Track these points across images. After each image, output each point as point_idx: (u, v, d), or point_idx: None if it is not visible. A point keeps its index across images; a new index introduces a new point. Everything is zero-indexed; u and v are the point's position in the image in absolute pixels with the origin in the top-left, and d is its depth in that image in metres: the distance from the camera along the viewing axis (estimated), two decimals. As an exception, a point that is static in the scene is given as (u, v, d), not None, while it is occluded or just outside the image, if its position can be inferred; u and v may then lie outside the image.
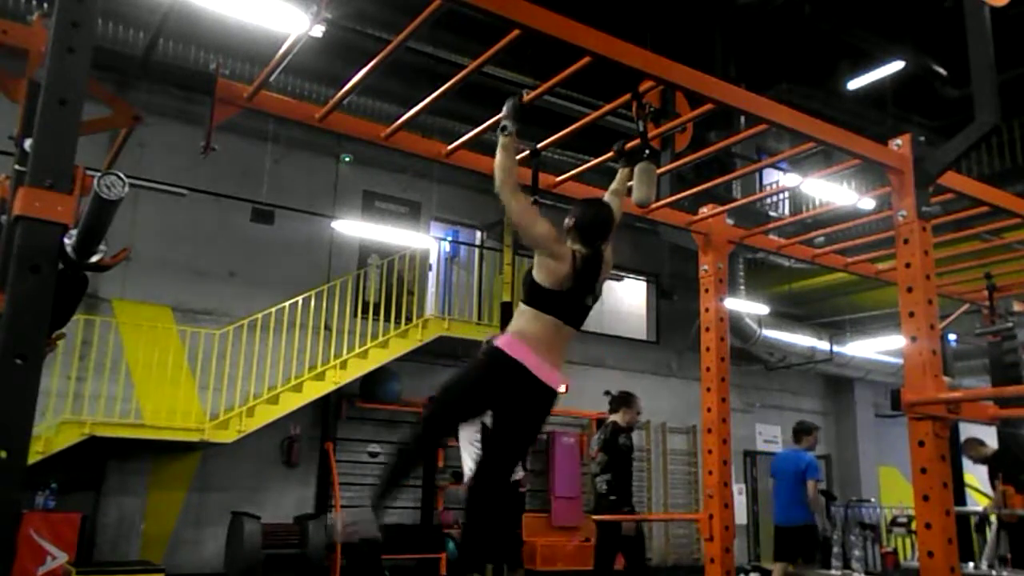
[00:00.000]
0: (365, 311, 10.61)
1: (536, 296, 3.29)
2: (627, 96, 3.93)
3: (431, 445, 3.55)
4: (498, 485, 3.41)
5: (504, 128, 3.35)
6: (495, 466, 3.35)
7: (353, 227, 10.69)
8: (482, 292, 12.02)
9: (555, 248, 3.24)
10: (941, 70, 12.39)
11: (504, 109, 3.43)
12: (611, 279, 13.84)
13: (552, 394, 3.25)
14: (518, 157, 4.80)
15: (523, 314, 3.32)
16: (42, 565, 7.62)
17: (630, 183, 3.80)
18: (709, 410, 5.00)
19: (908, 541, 11.10)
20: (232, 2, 6.88)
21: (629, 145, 3.88)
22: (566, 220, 3.43)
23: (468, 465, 5.74)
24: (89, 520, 8.62)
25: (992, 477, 7.14)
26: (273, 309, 9.87)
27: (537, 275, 3.28)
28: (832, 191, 10.64)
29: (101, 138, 5.72)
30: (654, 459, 13.58)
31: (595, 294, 3.40)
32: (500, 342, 3.27)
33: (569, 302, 3.30)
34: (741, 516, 13.83)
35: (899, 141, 4.28)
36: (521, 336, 3.23)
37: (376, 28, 9.26)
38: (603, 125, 7.41)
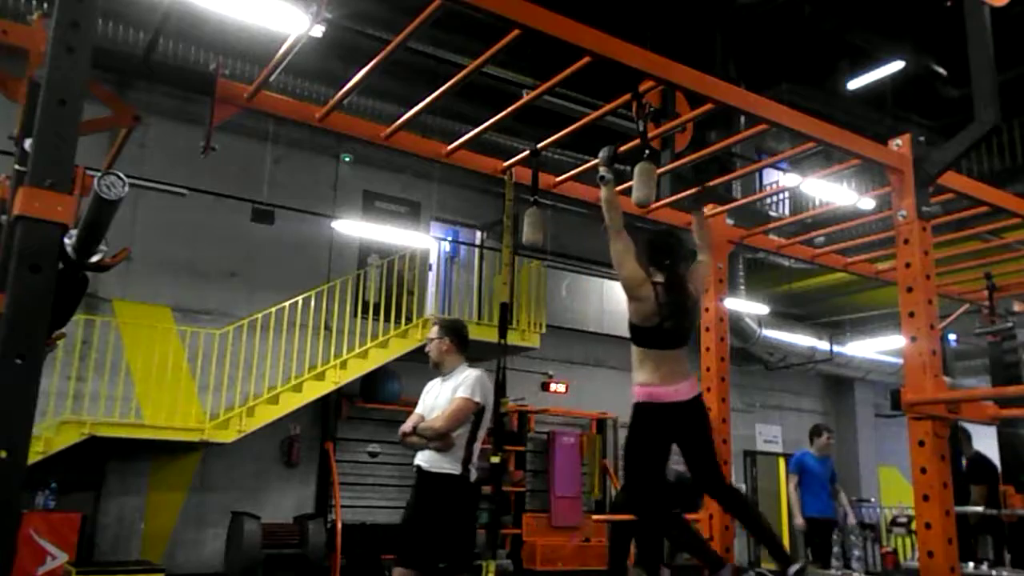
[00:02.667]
0: (365, 311, 10.61)
1: (635, 335, 3.83)
2: (627, 96, 3.94)
3: (655, 513, 3.99)
4: (717, 478, 3.92)
5: (603, 178, 3.81)
6: (703, 469, 3.87)
7: (353, 227, 10.69)
8: (482, 292, 12.01)
9: (637, 291, 3.73)
10: (941, 70, 12.39)
11: (600, 156, 3.90)
12: (612, 279, 13.87)
13: (688, 403, 3.79)
14: (518, 157, 4.81)
15: (634, 356, 3.86)
16: (42, 565, 7.62)
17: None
18: (709, 410, 4.99)
19: (908, 541, 11.09)
20: (232, 2, 6.87)
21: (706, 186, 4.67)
22: (640, 254, 3.88)
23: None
24: (89, 520, 8.62)
25: (972, 481, 7.19)
26: (273, 309, 9.86)
27: (631, 315, 3.80)
28: (832, 191, 10.63)
29: (101, 138, 5.72)
30: (654, 459, 13.56)
31: (689, 314, 3.87)
32: (635, 397, 3.86)
33: (662, 332, 3.76)
34: (741, 516, 13.82)
35: (899, 141, 4.28)
36: (636, 374, 3.83)
37: (376, 28, 9.26)
38: (603, 125, 7.42)
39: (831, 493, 7.66)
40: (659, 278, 3.79)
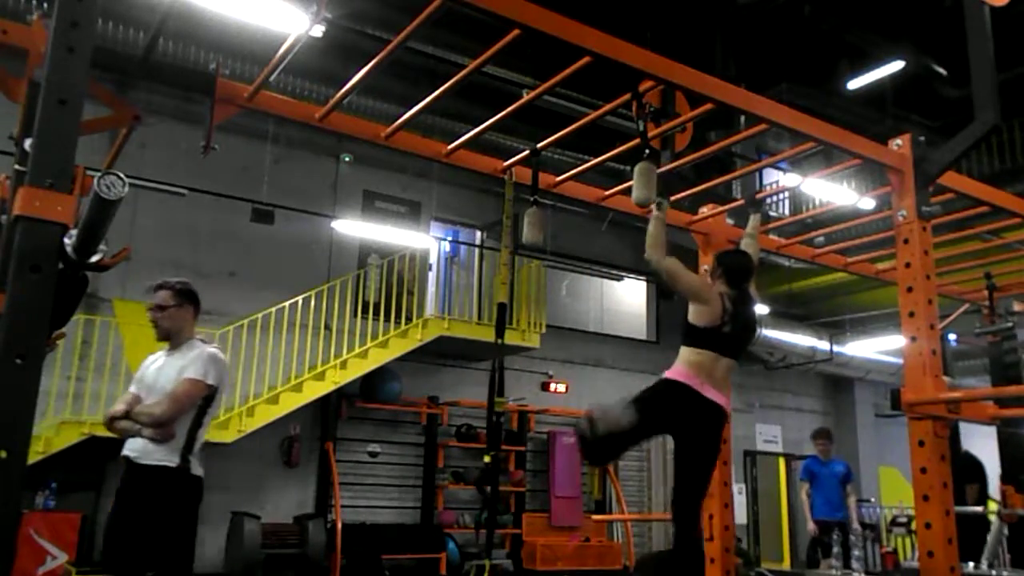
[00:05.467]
0: (365, 311, 10.61)
1: (692, 335, 3.76)
2: (627, 96, 3.94)
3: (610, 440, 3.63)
4: (696, 502, 3.70)
5: (659, 204, 3.82)
6: (687, 484, 3.67)
7: (353, 227, 10.69)
8: (482, 292, 12.02)
9: (704, 294, 3.75)
10: (941, 70, 12.38)
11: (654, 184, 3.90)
12: (612, 279, 13.90)
13: (719, 410, 3.67)
14: (518, 157, 4.81)
15: (682, 353, 3.76)
16: (42, 565, 7.63)
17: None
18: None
19: (908, 541, 11.09)
20: (232, 2, 6.88)
21: (760, 194, 4.53)
22: (712, 267, 3.99)
23: None
24: (89, 520, 8.61)
25: (960, 480, 7.29)
26: (273, 309, 9.86)
27: (692, 318, 3.76)
28: (832, 191, 10.63)
29: (101, 138, 5.72)
30: (654, 459, 13.56)
31: (750, 326, 3.97)
32: (666, 373, 3.73)
33: (722, 336, 3.74)
34: (741, 516, 13.83)
35: (899, 141, 4.28)
36: (682, 364, 3.71)
37: (376, 28, 9.26)
38: (603, 125, 7.41)
39: (844, 495, 7.88)
40: (724, 289, 3.84)
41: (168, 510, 3.37)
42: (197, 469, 3.49)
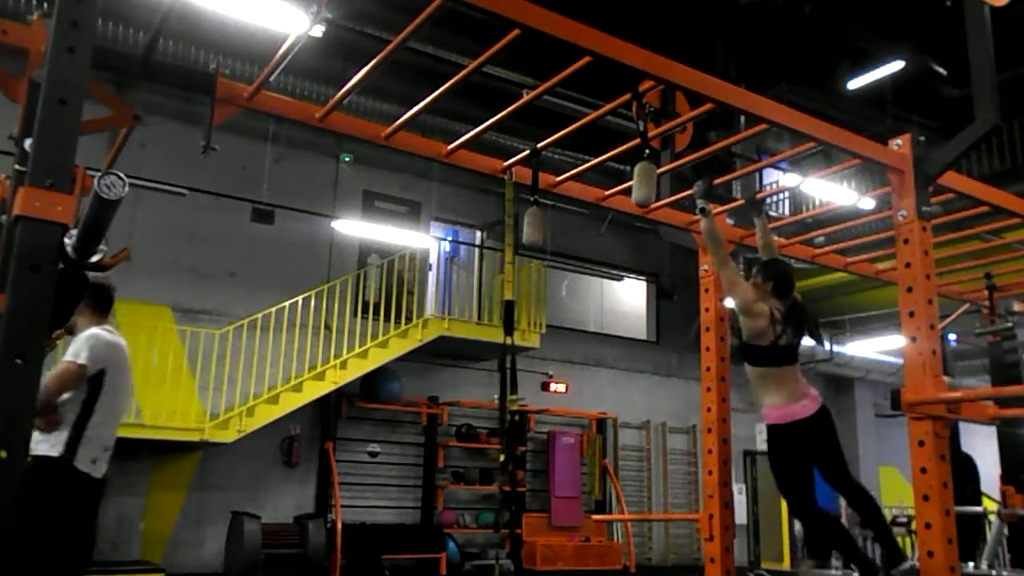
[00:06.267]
0: (365, 311, 10.61)
1: (753, 356, 4.00)
2: (627, 96, 3.93)
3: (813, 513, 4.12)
4: (847, 476, 4.11)
5: (703, 210, 4.04)
6: (835, 471, 4.07)
7: (353, 227, 10.69)
8: (482, 292, 12.02)
9: (753, 308, 3.92)
10: (941, 70, 12.38)
11: (695, 189, 4.12)
12: (612, 279, 13.90)
13: (817, 416, 3.98)
14: (518, 157, 4.81)
15: (754, 378, 4.05)
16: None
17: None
18: (709, 410, 4.99)
19: (908, 541, 11.08)
20: (232, 2, 6.88)
21: (760, 194, 4.62)
22: (755, 280, 4.12)
23: None
24: (89, 520, 8.62)
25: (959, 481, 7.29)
26: (273, 309, 9.86)
27: (747, 336, 3.97)
28: (832, 191, 10.64)
29: (101, 138, 5.72)
30: (654, 459, 13.57)
31: (813, 329, 4.15)
32: (767, 418, 4.04)
33: (778, 350, 3.95)
34: (741, 516, 13.83)
35: (899, 141, 4.27)
36: (770, 401, 4.00)
37: (376, 28, 9.26)
38: (603, 125, 7.41)
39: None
40: (774, 302, 4.00)
41: (43, 507, 3.03)
42: (87, 465, 3.20)
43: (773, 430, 4.02)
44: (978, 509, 6.74)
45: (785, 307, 4.01)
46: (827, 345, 4.46)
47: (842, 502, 7.93)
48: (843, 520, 7.95)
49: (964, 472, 7.35)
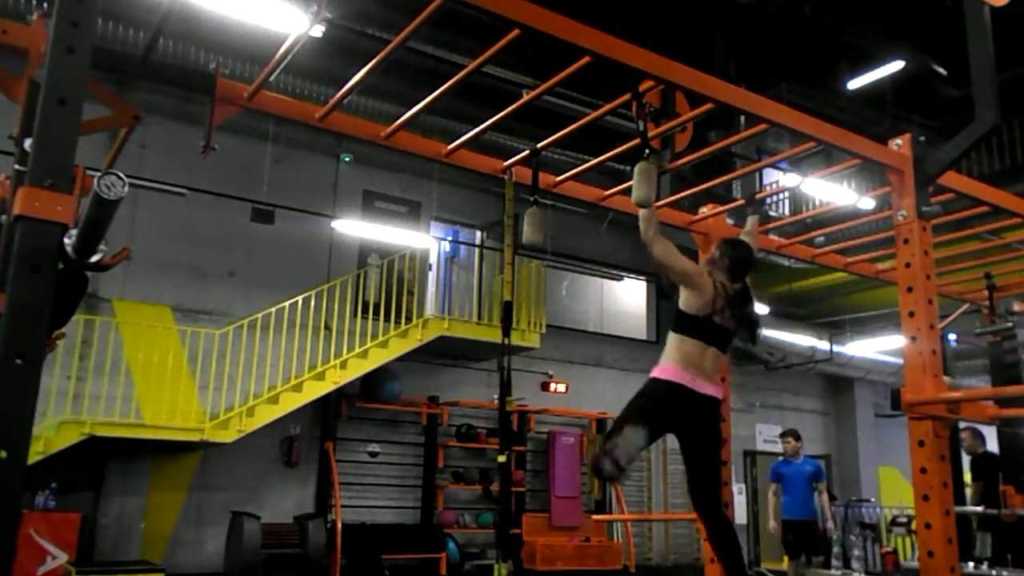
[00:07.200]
0: (365, 311, 10.61)
1: (681, 323, 3.73)
2: (627, 96, 3.94)
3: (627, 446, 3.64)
4: (711, 489, 3.81)
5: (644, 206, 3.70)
6: (699, 476, 3.77)
7: (353, 227, 10.69)
8: (482, 292, 12.02)
9: (695, 279, 3.70)
10: (941, 70, 12.38)
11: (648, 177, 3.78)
12: (612, 279, 13.90)
13: (715, 402, 3.69)
14: (518, 157, 4.81)
15: (670, 342, 3.74)
16: (42, 565, 7.62)
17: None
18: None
19: (908, 541, 11.09)
20: (232, 2, 6.88)
21: (760, 194, 4.52)
22: (713, 254, 3.92)
23: None
24: (89, 520, 8.62)
25: (973, 478, 7.50)
26: (273, 309, 9.86)
27: (683, 305, 3.73)
28: (832, 191, 10.63)
29: (101, 138, 5.72)
30: (654, 459, 13.57)
31: (751, 320, 3.91)
32: (655, 371, 3.70)
33: (711, 326, 3.69)
34: (741, 516, 13.83)
35: (899, 141, 4.28)
36: (667, 360, 3.68)
37: (376, 28, 9.26)
38: (603, 125, 7.41)
39: (813, 493, 7.90)
40: (724, 280, 3.77)
41: None
42: None
43: (651, 380, 3.68)
44: (978, 509, 6.74)
45: (733, 290, 3.77)
46: (757, 342, 4.14)
47: (823, 500, 7.97)
48: (828, 524, 7.98)
49: (980, 467, 7.39)
